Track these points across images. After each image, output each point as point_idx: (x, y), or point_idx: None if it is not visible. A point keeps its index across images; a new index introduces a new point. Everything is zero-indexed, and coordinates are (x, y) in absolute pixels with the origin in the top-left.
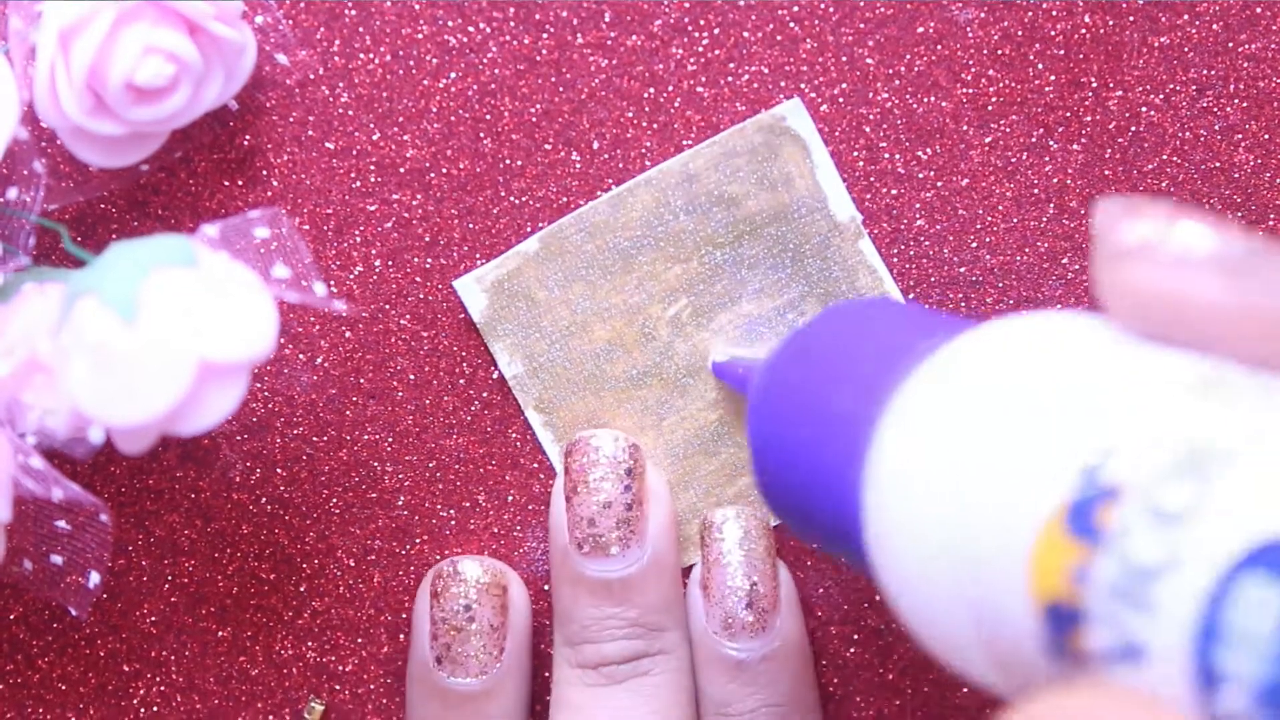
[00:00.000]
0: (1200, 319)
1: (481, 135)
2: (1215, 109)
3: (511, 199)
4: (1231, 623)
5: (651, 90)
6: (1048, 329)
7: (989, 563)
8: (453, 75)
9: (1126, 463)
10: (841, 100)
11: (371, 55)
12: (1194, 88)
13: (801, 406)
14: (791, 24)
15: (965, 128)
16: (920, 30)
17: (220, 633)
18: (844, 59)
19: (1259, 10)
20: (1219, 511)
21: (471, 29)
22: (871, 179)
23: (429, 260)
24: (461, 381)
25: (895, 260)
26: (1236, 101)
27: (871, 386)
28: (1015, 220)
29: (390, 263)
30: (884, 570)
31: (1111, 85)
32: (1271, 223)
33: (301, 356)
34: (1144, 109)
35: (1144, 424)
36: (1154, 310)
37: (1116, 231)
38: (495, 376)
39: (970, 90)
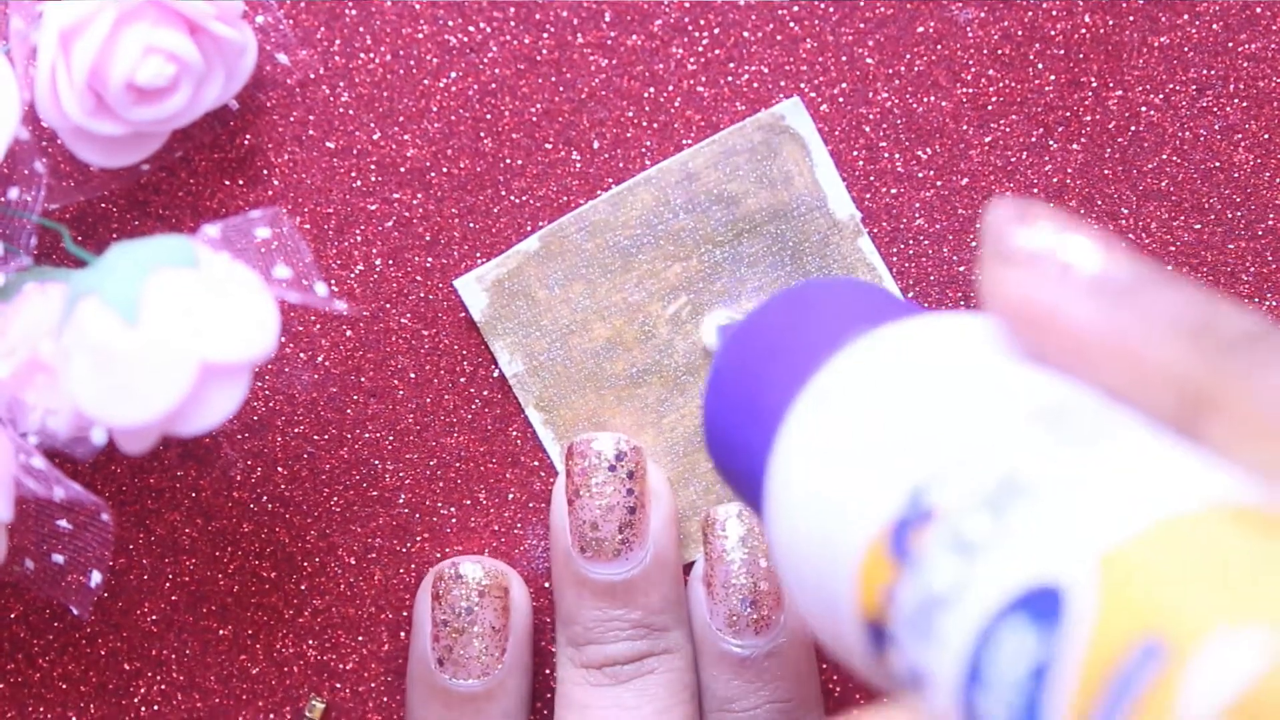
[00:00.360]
0: (1068, 340)
1: (482, 135)
2: (1215, 109)
3: (512, 198)
4: (992, 665)
5: (651, 90)
6: (940, 335)
7: (836, 567)
8: (453, 75)
9: (946, 487)
10: (841, 100)
11: (372, 55)
12: (1194, 88)
13: (740, 387)
14: (791, 24)
15: (965, 127)
16: (920, 30)
17: (221, 631)
18: (844, 59)
19: (1259, 10)
20: (1005, 548)
21: (471, 29)
22: (871, 178)
23: (429, 259)
24: (462, 380)
25: (894, 259)
26: (1236, 101)
27: (793, 375)
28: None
29: (391, 262)
30: (772, 548)
31: (1111, 85)
32: (1271, 222)
33: (302, 355)
34: (1144, 109)
35: (973, 448)
36: (1027, 323)
37: (1005, 235)
38: (496, 375)
39: (970, 90)
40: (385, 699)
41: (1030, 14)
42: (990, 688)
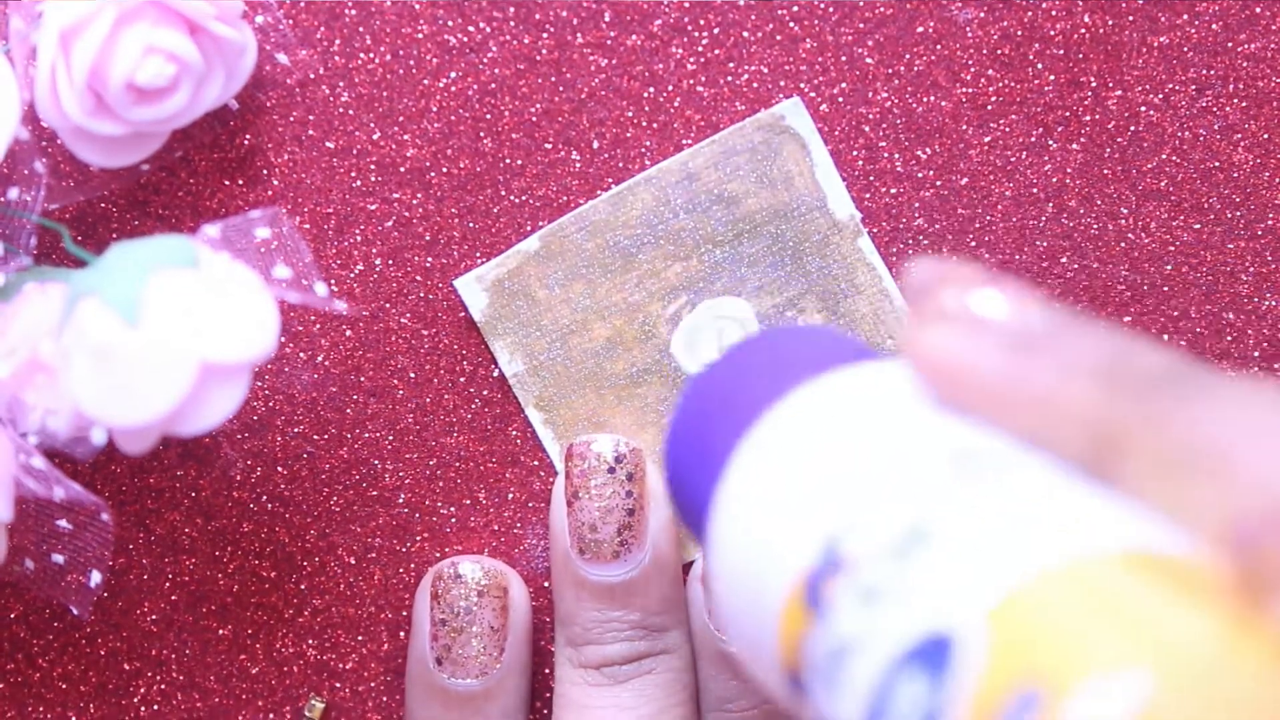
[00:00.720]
0: (982, 391)
1: (481, 135)
2: (1214, 109)
3: (512, 198)
4: (890, 714)
5: (651, 90)
6: (870, 386)
7: (762, 616)
8: (453, 75)
9: (856, 536)
10: (841, 100)
11: (371, 55)
12: (1193, 87)
13: (695, 433)
14: (791, 24)
15: (965, 127)
16: (920, 30)
17: (221, 631)
18: (844, 59)
19: (1259, 10)
20: (905, 597)
21: (471, 29)
22: (871, 178)
23: (429, 259)
24: (462, 380)
25: (894, 259)
26: (1236, 101)
27: (739, 424)
28: (1014, 220)
29: (391, 262)
30: (713, 593)
31: (1111, 85)
32: (1271, 222)
33: (302, 355)
34: (1143, 109)
35: (884, 498)
36: (944, 377)
37: (923, 293)
38: (495, 375)
39: (970, 90)
40: (385, 699)
41: (1030, 14)
42: None
